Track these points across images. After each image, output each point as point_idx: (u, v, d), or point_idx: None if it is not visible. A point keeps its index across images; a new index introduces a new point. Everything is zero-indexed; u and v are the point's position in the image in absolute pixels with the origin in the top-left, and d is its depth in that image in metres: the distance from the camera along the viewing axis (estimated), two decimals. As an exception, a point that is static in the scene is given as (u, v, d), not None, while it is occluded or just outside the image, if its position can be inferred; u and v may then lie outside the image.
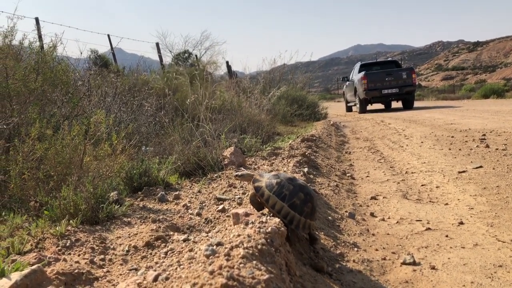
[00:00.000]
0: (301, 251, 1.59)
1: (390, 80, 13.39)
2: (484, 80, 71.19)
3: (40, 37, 5.92)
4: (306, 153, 3.88)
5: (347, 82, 16.65)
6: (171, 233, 1.88)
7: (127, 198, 2.52)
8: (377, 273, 1.60)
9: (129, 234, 1.85)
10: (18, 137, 2.52)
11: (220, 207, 2.18)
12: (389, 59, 18.94)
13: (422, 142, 5.10)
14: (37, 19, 7.91)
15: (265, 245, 1.18)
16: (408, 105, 14.22)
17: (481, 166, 3.37)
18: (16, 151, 2.37)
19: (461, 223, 2.13)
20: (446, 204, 2.53)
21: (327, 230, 1.97)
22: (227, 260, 1.05)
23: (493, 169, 3.25)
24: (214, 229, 1.85)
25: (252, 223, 1.38)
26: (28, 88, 3.13)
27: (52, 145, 2.40)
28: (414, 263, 1.65)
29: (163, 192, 2.55)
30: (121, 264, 1.56)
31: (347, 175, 3.61)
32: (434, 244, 1.87)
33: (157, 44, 13.45)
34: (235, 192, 2.53)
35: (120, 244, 1.74)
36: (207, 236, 1.68)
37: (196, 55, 17.28)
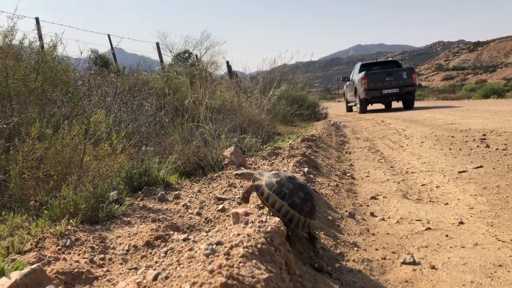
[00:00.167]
0: (301, 250, 1.59)
1: (391, 80, 13.38)
2: (484, 80, 71.17)
3: (40, 36, 5.91)
4: (306, 153, 3.88)
5: (348, 82, 16.65)
6: (171, 232, 1.88)
7: (127, 197, 2.52)
8: (377, 272, 1.60)
9: (129, 234, 1.85)
10: (18, 136, 2.52)
11: (220, 206, 2.18)
12: (390, 59, 18.93)
13: (422, 142, 5.10)
14: (37, 19, 7.92)
15: (265, 244, 1.18)
16: (408, 105, 14.21)
17: (481, 166, 3.37)
18: (16, 151, 2.37)
19: (461, 222, 2.13)
20: (446, 203, 2.53)
21: (327, 229, 1.97)
22: (227, 259, 1.04)
23: (493, 169, 3.24)
24: (214, 228, 1.85)
25: (252, 222, 1.38)
26: (28, 87, 3.13)
27: (52, 144, 2.40)
28: (414, 263, 1.65)
29: (163, 192, 2.54)
30: (121, 264, 1.56)
31: (347, 175, 3.61)
32: (434, 244, 1.86)
33: (157, 44, 13.46)
34: (235, 192, 2.53)
35: (120, 244, 1.74)
36: (207, 235, 1.68)
37: (196, 55, 17.29)
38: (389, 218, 2.32)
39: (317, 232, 1.80)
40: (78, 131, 2.53)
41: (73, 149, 2.44)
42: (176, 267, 1.16)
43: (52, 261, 1.47)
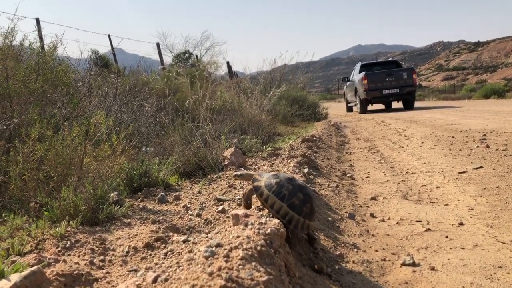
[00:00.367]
0: (301, 252, 1.59)
1: (391, 80, 13.38)
2: (484, 80, 71.13)
3: (40, 37, 5.91)
4: (307, 154, 3.88)
5: (348, 83, 16.65)
6: (171, 234, 1.88)
7: (127, 199, 2.52)
8: (377, 274, 1.60)
9: (129, 235, 1.85)
10: (18, 138, 2.52)
11: (220, 208, 2.18)
12: (390, 59, 18.95)
13: (422, 143, 5.10)
14: (37, 20, 7.93)
15: (264, 246, 1.18)
16: (408, 106, 14.21)
17: (481, 167, 3.37)
18: (16, 152, 2.38)
19: (461, 223, 2.13)
20: (446, 204, 2.53)
21: (327, 231, 1.97)
22: (226, 261, 1.05)
23: (493, 169, 3.24)
24: (214, 230, 1.85)
25: (252, 224, 1.38)
26: (29, 88, 3.14)
27: (52, 146, 2.40)
28: (413, 264, 1.65)
29: (163, 193, 2.55)
30: (121, 265, 1.57)
31: (347, 175, 3.61)
32: (434, 245, 1.86)
33: (158, 45, 13.47)
34: (235, 193, 2.53)
35: (120, 245, 1.74)
36: (207, 237, 1.68)
37: (196, 56, 17.31)
38: (389, 219, 2.32)
39: (316, 233, 1.80)
40: (78, 132, 2.54)
41: (73, 150, 2.44)
42: (175, 269, 1.17)
43: (52, 263, 1.47)
